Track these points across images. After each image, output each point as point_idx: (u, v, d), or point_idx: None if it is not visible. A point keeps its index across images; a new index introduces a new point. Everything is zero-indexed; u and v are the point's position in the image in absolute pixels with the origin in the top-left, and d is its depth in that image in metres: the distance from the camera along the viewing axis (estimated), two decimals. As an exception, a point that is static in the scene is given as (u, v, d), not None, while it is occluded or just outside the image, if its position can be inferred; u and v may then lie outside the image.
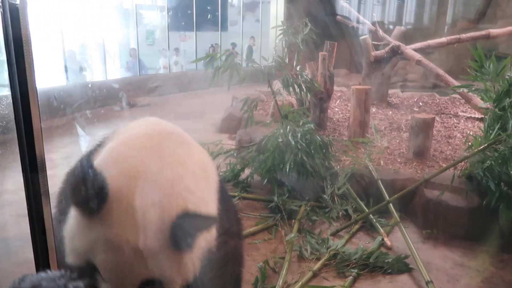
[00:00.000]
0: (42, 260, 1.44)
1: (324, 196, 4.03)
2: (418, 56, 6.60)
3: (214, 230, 1.54)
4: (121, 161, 1.46)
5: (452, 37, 6.96)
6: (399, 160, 4.51)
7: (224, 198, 1.75)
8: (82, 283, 0.92)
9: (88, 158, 1.39)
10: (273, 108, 6.00)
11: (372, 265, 3.10)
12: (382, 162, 4.44)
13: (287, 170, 3.81)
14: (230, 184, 4.45)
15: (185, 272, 1.39)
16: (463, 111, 6.54)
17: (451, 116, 6.32)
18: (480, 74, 3.66)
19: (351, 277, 2.99)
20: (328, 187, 4.07)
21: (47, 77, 7.45)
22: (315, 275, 3.01)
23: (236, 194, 4.20)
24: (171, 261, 1.35)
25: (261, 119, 5.63)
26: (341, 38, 8.68)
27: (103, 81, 9.55)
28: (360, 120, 5.02)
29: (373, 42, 7.29)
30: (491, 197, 3.33)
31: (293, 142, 3.90)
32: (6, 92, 1.43)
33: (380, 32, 7.35)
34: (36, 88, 1.33)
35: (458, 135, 5.36)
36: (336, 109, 6.74)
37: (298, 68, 4.79)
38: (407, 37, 8.11)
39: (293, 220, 3.74)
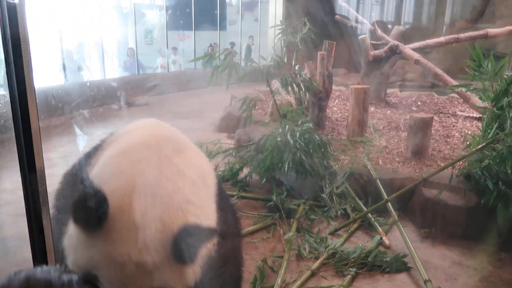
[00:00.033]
0: (40, 259, 1.44)
1: (323, 195, 4.04)
2: (416, 55, 6.61)
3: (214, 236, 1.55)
4: (120, 173, 1.46)
5: (451, 36, 6.97)
6: (397, 159, 4.52)
7: (222, 199, 1.76)
8: (76, 275, 0.93)
9: (87, 175, 1.39)
10: (271, 107, 6.00)
11: (371, 264, 3.11)
12: (380, 161, 4.44)
13: (286, 169, 3.81)
14: (229, 183, 4.45)
15: (186, 280, 1.41)
16: (461, 111, 6.55)
17: (449, 115, 6.33)
18: (478, 74, 3.67)
19: (349, 276, 2.99)
20: (327, 186, 4.07)
21: (45, 76, 7.43)
22: (313, 274, 3.01)
23: (234, 193, 4.20)
24: (173, 273, 1.37)
25: (259, 119, 5.62)
26: (340, 37, 8.68)
27: (102, 80, 9.54)
28: (359, 119, 5.02)
29: (372, 42, 7.29)
30: (489, 196, 3.34)
31: (291, 141, 3.90)
32: (4, 91, 1.43)
33: (379, 31, 7.35)
34: (34, 87, 1.33)
35: (456, 134, 5.37)
36: (335, 108, 6.74)
37: (296, 68, 4.79)
38: (405, 37, 8.11)
39: (292, 219, 3.75)
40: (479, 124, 4.75)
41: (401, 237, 3.40)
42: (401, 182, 3.94)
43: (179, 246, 1.33)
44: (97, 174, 1.49)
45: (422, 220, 3.72)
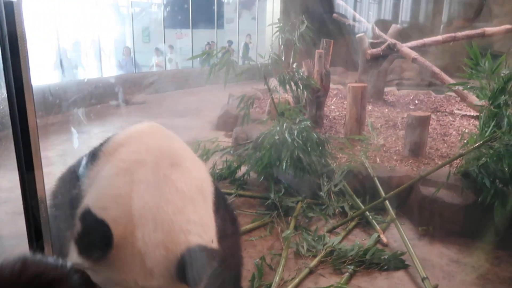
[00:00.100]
0: (38, 258, 1.43)
1: (321, 193, 4.04)
2: (414, 54, 6.62)
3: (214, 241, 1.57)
4: (119, 198, 1.46)
5: (448, 35, 6.98)
6: (395, 157, 4.53)
7: (220, 201, 1.77)
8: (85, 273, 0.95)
9: (90, 210, 1.37)
10: (269, 105, 6.00)
11: (369, 262, 3.11)
12: (378, 160, 4.45)
13: (284, 167, 3.81)
14: (227, 182, 4.45)
15: None
16: (458, 109, 6.57)
17: (446, 114, 6.35)
18: (476, 72, 3.67)
19: (347, 273, 3.00)
20: (325, 184, 4.08)
21: (42, 73, 7.41)
22: (311, 271, 3.02)
23: (232, 191, 4.19)
24: None
25: (257, 117, 5.62)
26: (338, 36, 8.67)
27: (99, 77, 9.51)
28: (356, 117, 5.03)
29: (370, 40, 7.30)
30: (486, 194, 3.35)
31: (289, 140, 3.90)
32: (1, 88, 1.42)
33: (376, 30, 7.35)
34: (31, 84, 1.33)
35: (454, 132, 5.38)
36: (333, 106, 6.75)
37: (294, 66, 4.78)
38: (403, 35, 8.12)
39: (290, 217, 3.75)
40: (476, 123, 4.76)
41: (398, 235, 3.41)
42: (399, 180, 3.95)
43: (184, 269, 1.36)
44: (96, 199, 1.50)
45: (420, 218, 3.73)
